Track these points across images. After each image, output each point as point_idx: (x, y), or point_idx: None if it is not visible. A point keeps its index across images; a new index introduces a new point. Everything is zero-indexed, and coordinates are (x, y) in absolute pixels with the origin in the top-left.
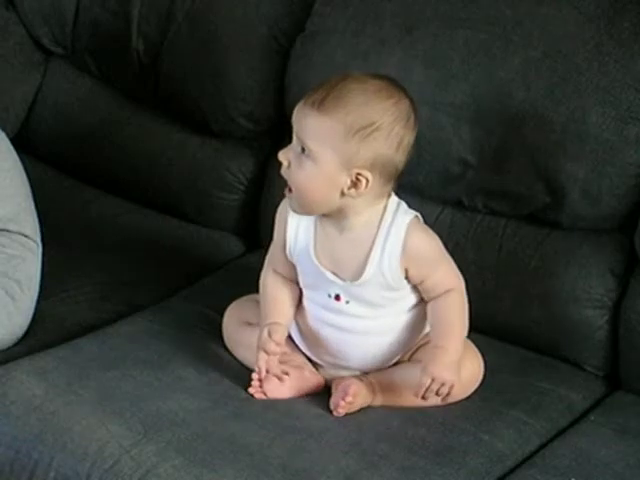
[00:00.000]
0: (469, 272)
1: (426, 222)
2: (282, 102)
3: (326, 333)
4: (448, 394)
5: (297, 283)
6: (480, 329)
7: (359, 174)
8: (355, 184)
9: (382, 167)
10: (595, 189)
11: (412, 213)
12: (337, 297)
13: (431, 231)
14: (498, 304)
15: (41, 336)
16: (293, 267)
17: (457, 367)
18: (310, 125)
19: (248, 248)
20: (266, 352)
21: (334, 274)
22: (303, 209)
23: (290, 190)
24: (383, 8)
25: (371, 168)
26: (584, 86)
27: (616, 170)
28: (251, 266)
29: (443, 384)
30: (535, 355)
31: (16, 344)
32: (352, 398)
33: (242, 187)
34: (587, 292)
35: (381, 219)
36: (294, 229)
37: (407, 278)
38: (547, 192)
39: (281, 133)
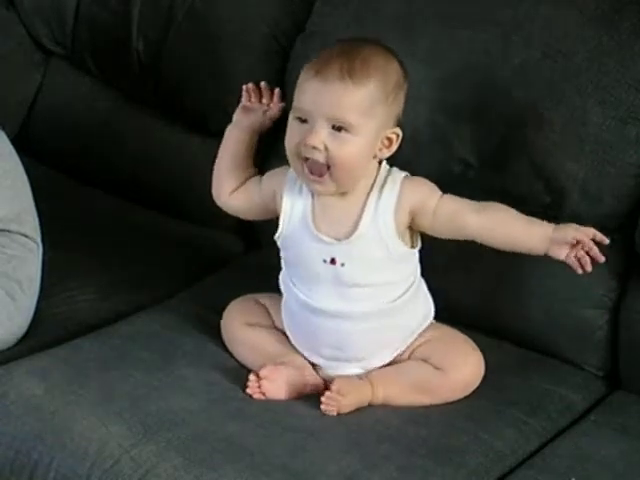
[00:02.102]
0: (469, 272)
1: None
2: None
3: (321, 322)
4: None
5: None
6: (480, 329)
7: (392, 132)
8: (386, 144)
9: (399, 120)
10: (595, 189)
11: (404, 172)
12: (332, 261)
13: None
14: (498, 304)
15: (41, 336)
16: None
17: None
18: (349, 100)
19: (248, 248)
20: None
21: (330, 236)
22: (343, 187)
23: (321, 175)
24: (383, 8)
25: (397, 123)
26: (584, 86)
27: (616, 170)
28: (251, 266)
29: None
30: (535, 355)
31: (16, 344)
32: (333, 394)
33: None
34: (587, 292)
35: (376, 176)
36: (288, 213)
37: (412, 231)
38: (547, 192)
39: (281, 133)
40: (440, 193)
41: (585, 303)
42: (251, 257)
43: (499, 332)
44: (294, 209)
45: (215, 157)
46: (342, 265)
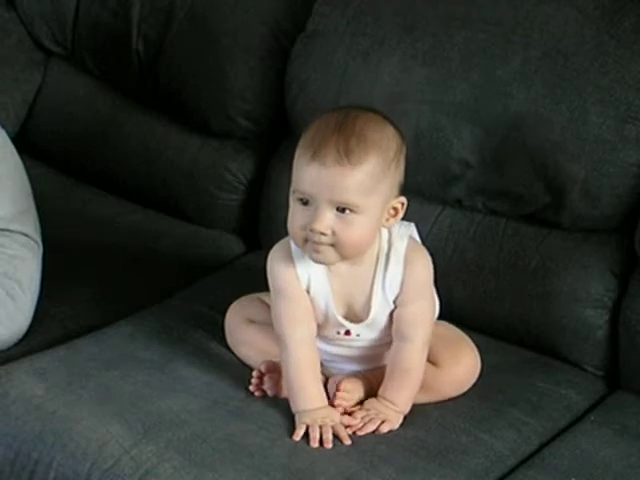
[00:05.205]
0: (469, 272)
1: (426, 222)
2: (282, 102)
3: (327, 357)
4: (375, 430)
5: None
6: (480, 329)
7: (397, 202)
8: (392, 213)
9: (402, 185)
10: (595, 189)
11: (406, 234)
12: (347, 332)
13: (426, 252)
14: (498, 304)
15: (41, 336)
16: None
17: (402, 416)
18: (350, 182)
19: (248, 248)
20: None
21: (346, 318)
22: (349, 258)
23: (331, 245)
24: (383, 8)
25: (401, 191)
26: (584, 86)
27: (616, 170)
28: (251, 266)
29: (381, 419)
30: (535, 355)
31: (16, 344)
32: (344, 392)
33: (242, 187)
34: (587, 292)
35: (380, 244)
36: (306, 279)
37: None
38: (547, 192)
39: (281, 133)
40: (428, 296)
41: (585, 303)
42: (252, 257)
43: (499, 332)
44: (311, 283)
45: (214, 158)
46: (357, 335)
